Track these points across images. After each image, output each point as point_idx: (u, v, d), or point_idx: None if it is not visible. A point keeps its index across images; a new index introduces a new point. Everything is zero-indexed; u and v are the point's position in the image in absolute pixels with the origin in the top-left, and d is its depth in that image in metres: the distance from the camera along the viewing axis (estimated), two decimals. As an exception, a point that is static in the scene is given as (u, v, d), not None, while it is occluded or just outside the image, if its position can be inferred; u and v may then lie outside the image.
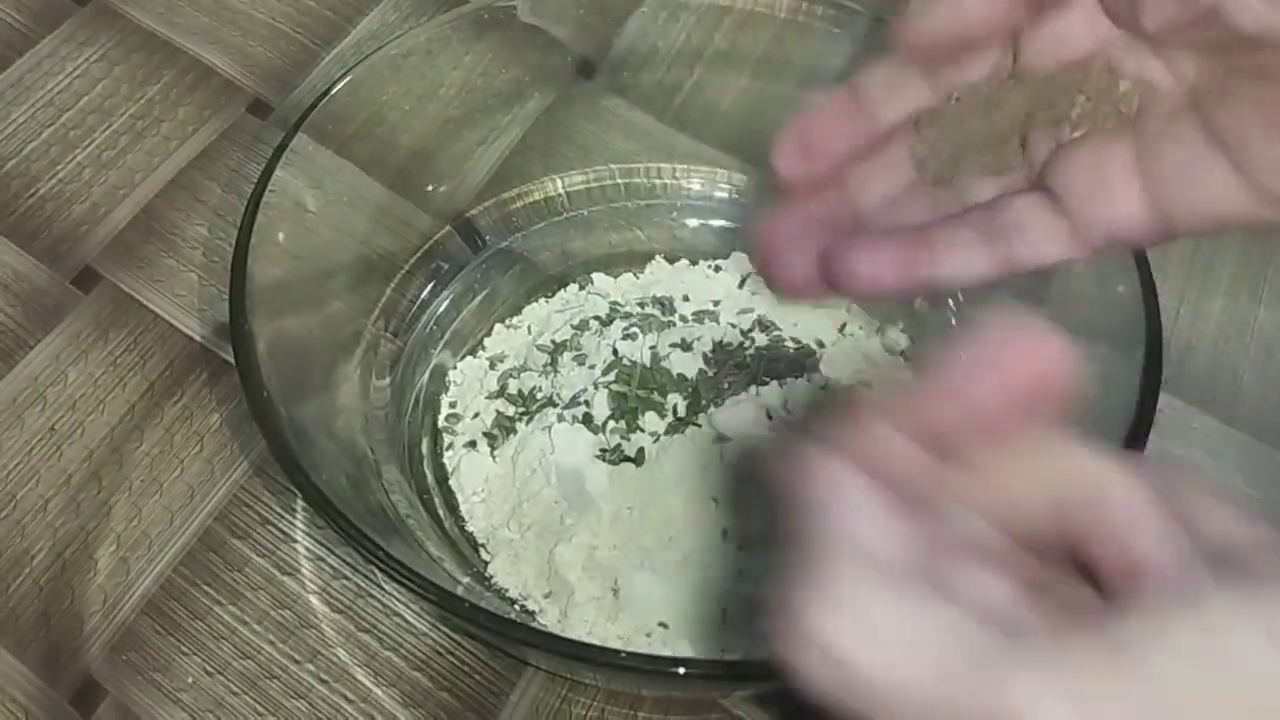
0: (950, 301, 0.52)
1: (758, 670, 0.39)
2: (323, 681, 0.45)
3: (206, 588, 0.47)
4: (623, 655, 0.35)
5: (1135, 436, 0.40)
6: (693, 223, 0.57)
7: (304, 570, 0.47)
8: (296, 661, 0.45)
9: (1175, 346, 0.56)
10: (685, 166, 0.58)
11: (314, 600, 0.47)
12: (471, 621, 0.36)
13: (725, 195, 0.57)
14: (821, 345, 0.50)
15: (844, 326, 0.52)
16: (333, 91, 0.49)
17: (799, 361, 0.48)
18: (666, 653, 0.42)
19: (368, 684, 0.45)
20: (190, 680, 0.45)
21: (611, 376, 0.48)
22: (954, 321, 0.52)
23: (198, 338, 0.53)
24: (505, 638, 0.39)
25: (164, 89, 0.61)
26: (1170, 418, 0.53)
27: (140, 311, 0.54)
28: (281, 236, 0.46)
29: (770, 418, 0.46)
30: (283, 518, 0.49)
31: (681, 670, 0.35)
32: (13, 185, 0.57)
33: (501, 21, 0.55)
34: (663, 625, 0.42)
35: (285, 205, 0.46)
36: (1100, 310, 0.47)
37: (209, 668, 0.45)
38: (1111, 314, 0.46)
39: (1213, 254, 0.59)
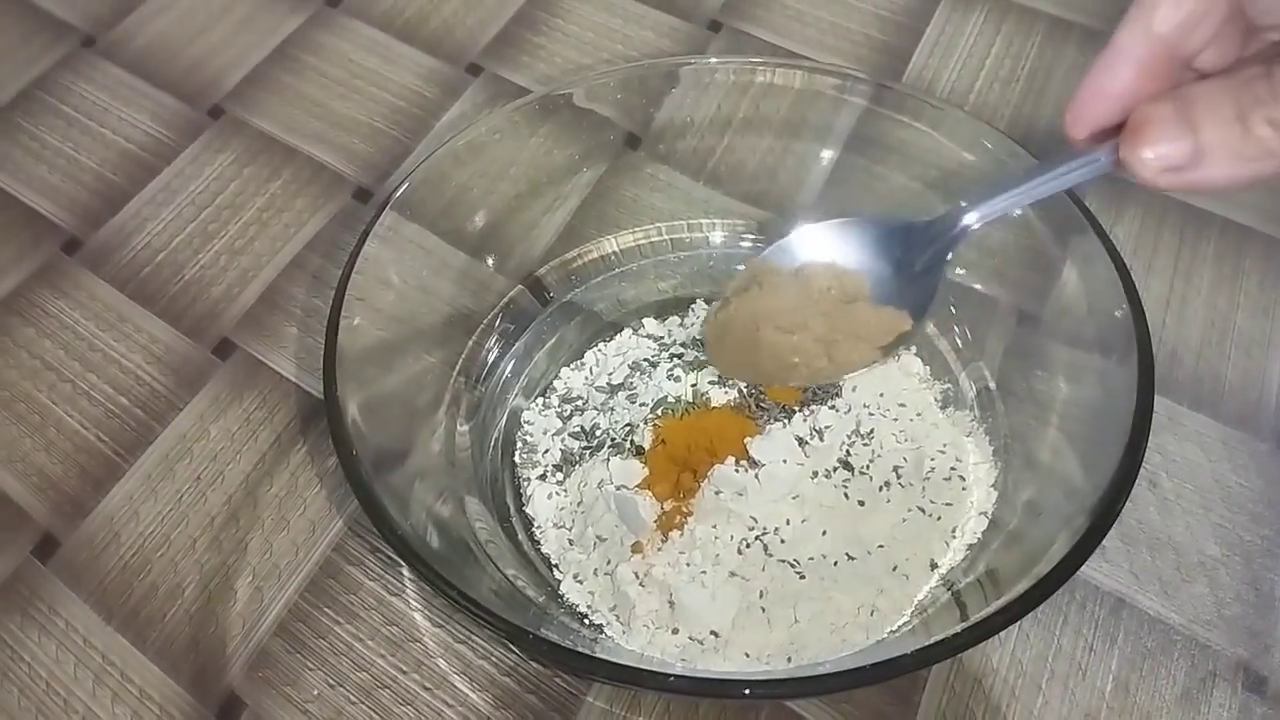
0: (956, 328, 0.47)
1: (810, 686, 0.35)
2: (426, 689, 0.42)
3: (327, 610, 0.44)
4: (671, 679, 0.31)
5: (1138, 437, 0.35)
6: (727, 267, 0.53)
7: (408, 591, 0.44)
8: (404, 672, 0.42)
9: (1163, 352, 0.50)
10: (719, 220, 0.54)
11: (418, 617, 0.44)
12: (533, 652, 0.32)
13: (749, 243, 0.53)
14: (843, 372, 0.45)
15: (863, 353, 0.47)
16: (412, 175, 0.46)
17: (824, 389, 0.44)
18: (718, 657, 0.38)
19: (465, 690, 0.42)
20: (316, 692, 0.42)
21: (659, 413, 0.44)
22: (960, 344, 0.47)
23: (316, 393, 0.50)
24: (560, 664, 0.35)
25: (284, 185, 0.59)
26: (1163, 417, 0.48)
27: (269, 373, 0.51)
28: (375, 303, 0.43)
29: (799, 443, 0.41)
30: (389, 546, 0.45)
31: (688, 681, 0.31)
32: (164, 272, 0.55)
33: (559, 107, 0.51)
34: (714, 633, 0.38)
35: (377, 274, 0.44)
36: (1093, 326, 0.42)
37: (331, 680, 0.42)
38: (1103, 329, 0.41)
39: (1191, 264, 0.53)
